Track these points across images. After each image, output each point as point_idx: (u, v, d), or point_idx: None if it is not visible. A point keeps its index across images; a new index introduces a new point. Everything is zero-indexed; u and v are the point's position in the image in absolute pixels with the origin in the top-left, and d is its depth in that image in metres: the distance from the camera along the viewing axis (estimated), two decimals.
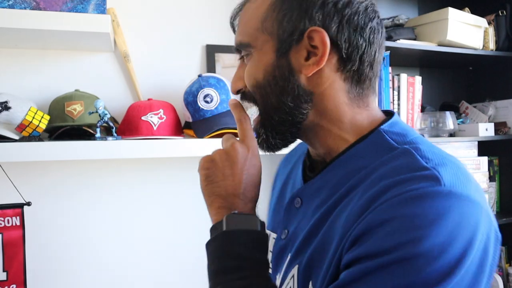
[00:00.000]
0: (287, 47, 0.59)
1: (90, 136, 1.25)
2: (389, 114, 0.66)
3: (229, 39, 1.54)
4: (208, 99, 1.35)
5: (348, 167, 0.60)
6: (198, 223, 1.51)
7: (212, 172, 0.64)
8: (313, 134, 0.64)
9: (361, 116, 0.63)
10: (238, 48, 0.65)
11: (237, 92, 0.66)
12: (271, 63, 0.60)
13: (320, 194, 0.63)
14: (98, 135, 1.23)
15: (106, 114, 1.23)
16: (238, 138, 0.66)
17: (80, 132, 1.27)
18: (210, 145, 1.29)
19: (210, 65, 1.51)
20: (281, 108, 0.61)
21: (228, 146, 0.65)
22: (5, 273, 1.15)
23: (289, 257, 0.65)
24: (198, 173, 0.66)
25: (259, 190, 0.66)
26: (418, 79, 1.68)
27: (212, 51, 1.52)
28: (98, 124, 1.23)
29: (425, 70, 1.90)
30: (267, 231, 0.72)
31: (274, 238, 0.71)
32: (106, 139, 1.22)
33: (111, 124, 1.25)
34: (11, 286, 1.15)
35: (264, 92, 0.61)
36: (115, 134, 1.26)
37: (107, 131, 1.31)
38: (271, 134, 0.63)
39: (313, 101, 0.61)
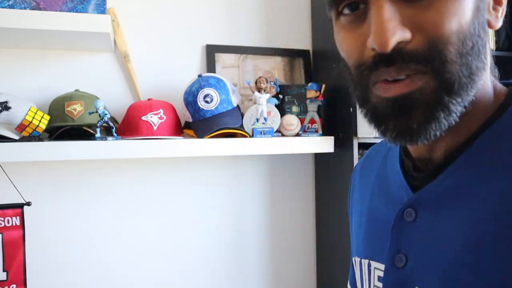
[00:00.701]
0: None
1: (90, 136, 1.25)
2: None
3: (229, 39, 1.55)
4: (208, 99, 1.35)
5: (491, 156, 0.46)
6: (198, 223, 1.51)
7: None
8: None
9: (490, 85, 0.50)
10: None
11: (393, 47, 0.42)
12: (474, 0, 0.44)
13: (450, 200, 0.48)
14: (98, 135, 1.23)
15: (106, 114, 1.23)
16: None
17: (80, 132, 1.27)
18: (210, 145, 1.29)
19: (210, 65, 1.51)
20: (479, 70, 0.45)
21: None
22: (5, 273, 1.15)
23: None
24: None
25: None
26: None
27: (212, 51, 1.52)
28: (98, 124, 1.23)
29: None
30: (363, 261, 0.58)
31: (377, 268, 0.56)
32: (106, 139, 1.22)
33: (111, 124, 1.25)
34: (11, 286, 1.16)
35: (470, 43, 0.44)
36: (115, 134, 1.26)
37: (107, 131, 1.31)
38: (450, 109, 0.44)
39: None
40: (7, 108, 1.21)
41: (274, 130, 1.40)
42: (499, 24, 0.48)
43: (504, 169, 0.44)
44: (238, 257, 1.56)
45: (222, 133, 1.33)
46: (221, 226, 1.54)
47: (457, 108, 0.44)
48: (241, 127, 1.38)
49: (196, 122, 1.37)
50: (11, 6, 1.19)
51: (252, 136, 1.37)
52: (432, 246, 0.48)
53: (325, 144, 1.41)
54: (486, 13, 0.46)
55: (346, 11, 0.47)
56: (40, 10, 1.21)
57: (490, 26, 0.47)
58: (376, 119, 0.47)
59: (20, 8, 1.19)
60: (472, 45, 0.44)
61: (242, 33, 1.56)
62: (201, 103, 1.35)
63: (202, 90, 1.36)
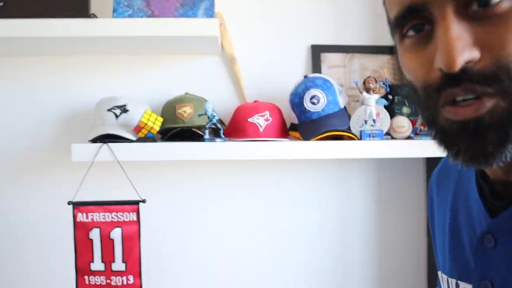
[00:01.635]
0: None
1: (199, 138, 1.30)
2: None
3: (335, 38, 1.50)
4: (314, 100, 1.32)
5: None
6: (302, 227, 1.49)
7: None
8: None
9: None
10: None
11: (461, 67, 0.40)
12: None
13: None
14: (206, 136, 1.26)
15: (215, 116, 1.26)
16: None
17: (190, 134, 1.31)
18: (316, 148, 1.26)
19: (316, 66, 1.48)
20: None
21: None
22: (124, 264, 1.24)
23: None
24: None
25: None
26: None
27: (317, 51, 1.49)
28: (207, 126, 1.26)
29: None
30: (450, 280, 0.58)
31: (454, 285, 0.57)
32: (214, 141, 1.26)
33: (219, 126, 1.28)
34: (129, 276, 1.23)
35: None
36: (222, 136, 1.29)
37: (215, 133, 1.34)
38: None
39: None
40: (125, 110, 1.30)
41: (384, 132, 1.32)
42: None
43: None
44: (341, 265, 1.51)
45: (329, 135, 1.29)
46: (325, 231, 1.50)
47: None
48: (349, 129, 1.33)
49: (302, 124, 1.35)
50: (130, 16, 1.28)
51: (361, 138, 1.31)
52: (506, 279, 0.47)
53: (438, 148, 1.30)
54: None
55: (411, 33, 0.45)
56: (155, 17, 1.28)
57: None
58: (446, 142, 0.45)
59: (138, 17, 1.27)
60: None
61: (348, 32, 1.51)
62: (308, 105, 1.32)
63: (308, 91, 1.33)
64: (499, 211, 0.49)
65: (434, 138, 0.47)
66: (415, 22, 0.44)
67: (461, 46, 0.40)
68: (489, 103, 0.41)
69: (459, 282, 0.56)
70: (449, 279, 0.59)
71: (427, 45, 0.44)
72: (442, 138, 0.46)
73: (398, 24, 0.46)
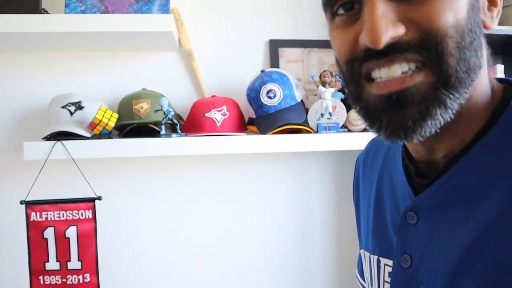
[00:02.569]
0: None
1: (156, 134, 1.29)
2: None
3: (292, 33, 1.51)
4: (271, 94, 1.33)
5: (493, 160, 0.45)
6: (261, 220, 1.50)
7: None
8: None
9: (488, 83, 0.48)
10: None
11: (386, 44, 0.42)
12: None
13: (450, 205, 0.48)
14: (163, 132, 1.26)
15: (170, 111, 1.26)
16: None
17: (147, 130, 1.31)
18: (273, 141, 1.28)
19: (274, 60, 1.49)
20: (476, 67, 0.44)
21: None
22: (79, 262, 1.22)
23: None
24: None
25: None
26: (500, 67, 1.54)
27: (275, 46, 1.50)
28: (163, 122, 1.26)
29: (508, 58, 1.73)
30: (372, 257, 0.59)
31: (387, 265, 0.57)
32: (170, 136, 1.25)
33: (175, 121, 1.28)
34: (85, 275, 1.22)
35: (468, 37, 0.43)
36: (179, 131, 1.29)
37: (173, 128, 1.34)
38: (446, 105, 0.43)
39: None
40: (80, 107, 1.28)
41: (340, 125, 1.35)
42: (494, 25, 0.47)
43: (505, 176, 0.43)
44: (302, 254, 1.52)
45: (286, 129, 1.30)
46: (285, 223, 1.52)
47: (453, 104, 0.43)
48: (306, 123, 1.35)
49: (259, 118, 1.36)
50: (83, 11, 1.26)
51: (317, 132, 1.33)
52: (435, 249, 0.48)
53: None
54: (481, 13, 0.45)
55: (341, 11, 0.47)
56: (109, 13, 1.26)
57: (485, 26, 0.46)
58: (369, 117, 0.47)
59: (91, 13, 1.26)
60: (471, 40, 0.43)
61: (305, 26, 1.52)
62: (264, 99, 1.33)
63: (265, 86, 1.34)
64: (422, 190, 0.51)
65: (359, 113, 0.49)
66: (345, 0, 0.46)
67: (385, 23, 0.41)
68: (418, 77, 0.43)
69: (380, 258, 0.58)
70: (371, 256, 0.60)
71: (355, 23, 0.46)
72: (366, 113, 0.47)
73: (328, 2, 0.48)
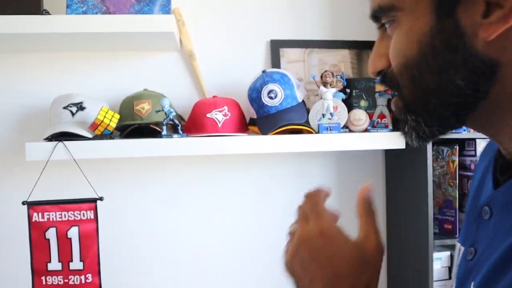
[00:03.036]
0: (453, 2, 0.43)
1: (157, 134, 1.29)
2: None
3: (293, 33, 1.51)
4: (272, 94, 1.34)
5: None
6: (262, 220, 1.50)
7: (296, 278, 0.56)
8: (497, 121, 0.47)
9: None
10: (375, 15, 0.50)
11: (377, 74, 0.52)
12: (429, 30, 0.45)
13: None
14: (164, 132, 1.26)
15: (172, 112, 1.26)
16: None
17: (148, 130, 1.31)
18: (274, 142, 1.28)
19: (275, 61, 1.49)
20: (445, 90, 0.46)
21: (298, 238, 0.57)
22: (81, 262, 1.22)
23: (472, 287, 0.50)
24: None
25: (365, 274, 0.49)
26: None
27: (276, 46, 1.50)
28: (164, 122, 1.26)
29: None
30: (457, 244, 0.60)
31: (461, 254, 0.57)
32: (171, 137, 1.25)
33: (176, 121, 1.28)
34: (87, 275, 1.22)
35: (417, 72, 0.47)
36: (180, 132, 1.29)
37: (174, 129, 1.34)
38: (425, 121, 0.49)
39: (499, 74, 0.44)
40: (82, 108, 1.28)
41: (341, 125, 1.35)
42: (489, 32, 0.42)
43: None
44: None
45: (287, 129, 1.30)
46: (286, 223, 1.51)
47: (421, 125, 0.49)
48: (307, 123, 1.35)
49: (260, 119, 1.36)
50: (85, 12, 1.26)
51: (318, 132, 1.33)
52: (493, 246, 0.47)
53: (396, 140, 1.33)
54: (461, 31, 0.44)
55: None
56: (110, 14, 1.26)
57: (483, 36, 0.43)
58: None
59: (92, 13, 1.26)
60: (429, 69, 0.46)
61: (306, 27, 1.52)
62: (265, 99, 1.33)
63: (266, 86, 1.34)
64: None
65: None
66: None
67: (372, 59, 0.52)
68: (396, 101, 0.52)
69: (460, 246, 0.58)
70: (459, 245, 0.60)
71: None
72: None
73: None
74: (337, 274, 0.49)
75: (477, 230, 0.52)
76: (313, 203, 0.58)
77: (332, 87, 1.36)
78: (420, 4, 0.45)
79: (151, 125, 1.28)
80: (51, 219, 1.20)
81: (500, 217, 0.48)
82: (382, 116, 1.38)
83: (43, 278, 1.20)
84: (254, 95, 1.35)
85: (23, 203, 1.20)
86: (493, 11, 0.41)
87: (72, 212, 1.21)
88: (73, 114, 1.28)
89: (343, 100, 1.39)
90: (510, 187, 0.47)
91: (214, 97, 1.39)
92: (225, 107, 1.34)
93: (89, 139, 1.24)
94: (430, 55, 0.45)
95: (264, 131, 1.32)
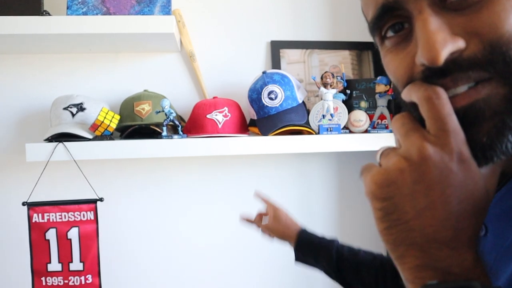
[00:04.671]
0: None
1: (158, 135, 1.29)
2: None
3: (294, 34, 1.52)
4: (272, 95, 1.33)
5: None
6: None
7: (394, 206, 0.39)
8: None
9: None
10: None
11: (446, 60, 0.38)
12: None
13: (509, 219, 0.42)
14: (164, 133, 1.26)
15: (172, 113, 1.26)
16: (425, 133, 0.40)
17: (148, 131, 1.31)
18: (275, 143, 1.28)
19: (275, 62, 1.49)
20: None
21: (413, 153, 0.38)
22: (82, 263, 1.22)
23: None
24: (368, 199, 0.41)
25: (483, 219, 0.39)
26: None
27: (276, 47, 1.50)
28: (164, 123, 1.26)
29: None
30: None
31: None
32: (172, 138, 1.25)
33: (176, 122, 1.28)
34: (87, 276, 1.22)
35: None
36: (181, 133, 1.29)
37: (174, 130, 1.34)
38: None
39: None
40: (82, 109, 1.28)
41: (341, 126, 1.35)
42: None
43: None
44: None
45: (287, 130, 1.30)
46: None
47: None
48: (307, 124, 1.35)
49: (260, 120, 1.36)
50: (85, 13, 1.26)
51: (318, 133, 1.33)
52: (502, 263, 0.43)
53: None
54: None
55: (390, 33, 0.44)
56: (110, 15, 1.26)
57: None
58: None
59: (93, 14, 1.26)
60: None
61: (307, 28, 1.52)
62: (265, 100, 1.33)
63: (266, 87, 1.34)
64: None
65: None
66: (392, 21, 0.43)
67: (442, 38, 0.37)
68: (484, 90, 0.38)
69: None
70: None
71: (408, 43, 0.42)
72: None
73: (375, 26, 0.45)
74: (464, 209, 0.37)
75: (481, 248, 0.47)
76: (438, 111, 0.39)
77: (333, 88, 1.36)
78: None
79: (151, 126, 1.28)
80: (51, 220, 1.20)
81: (497, 233, 0.45)
82: (382, 117, 1.37)
83: (43, 279, 1.20)
84: (254, 96, 1.35)
85: (23, 203, 1.20)
86: None
87: (72, 213, 1.21)
88: (73, 115, 1.28)
89: (344, 101, 1.39)
90: (500, 198, 0.44)
91: (214, 98, 1.39)
92: (225, 108, 1.34)
93: (89, 140, 1.24)
94: None
95: (264, 132, 1.32)
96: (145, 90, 1.38)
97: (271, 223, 1.13)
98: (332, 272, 0.99)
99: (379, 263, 0.95)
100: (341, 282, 0.98)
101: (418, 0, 0.39)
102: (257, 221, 1.19)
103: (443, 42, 0.37)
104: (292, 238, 1.08)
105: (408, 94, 0.41)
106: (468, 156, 0.38)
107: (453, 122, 0.38)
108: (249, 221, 1.20)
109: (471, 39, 0.38)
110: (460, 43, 0.38)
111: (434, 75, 0.39)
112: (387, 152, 0.41)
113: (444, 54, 0.37)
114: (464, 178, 0.37)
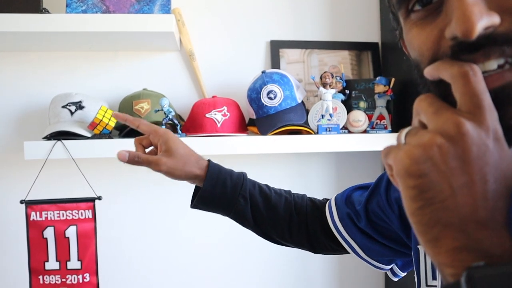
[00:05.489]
0: None
1: None
2: None
3: (293, 34, 1.51)
4: (271, 95, 1.33)
5: None
6: None
7: (429, 183, 0.36)
8: None
9: None
10: None
11: (479, 35, 0.37)
12: None
13: None
14: None
15: (171, 111, 1.26)
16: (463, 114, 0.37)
17: None
18: (274, 142, 1.28)
19: (275, 61, 1.49)
20: None
21: (450, 129, 0.36)
22: (79, 262, 1.22)
23: None
24: (399, 178, 0.38)
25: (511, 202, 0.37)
26: None
27: (276, 47, 1.50)
28: (163, 122, 1.26)
29: None
30: None
31: None
32: None
33: (175, 121, 1.28)
34: (85, 275, 1.22)
35: None
36: (179, 132, 1.29)
37: (173, 129, 1.34)
38: None
39: None
40: (81, 107, 1.28)
41: (340, 126, 1.35)
42: None
43: None
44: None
45: (286, 130, 1.30)
46: None
47: None
48: (306, 124, 1.35)
49: (259, 119, 1.36)
50: (84, 11, 1.26)
51: (317, 133, 1.33)
52: None
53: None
54: None
55: (417, 7, 0.42)
56: (110, 13, 1.26)
57: None
58: None
59: (92, 13, 1.26)
60: None
61: (307, 27, 1.52)
62: (265, 100, 1.33)
63: (265, 87, 1.34)
64: None
65: None
66: None
67: (478, 11, 0.36)
68: None
69: None
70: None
71: (437, 18, 0.40)
72: None
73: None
74: (502, 189, 0.36)
75: None
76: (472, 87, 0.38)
77: (332, 88, 1.36)
78: None
79: None
80: (49, 218, 1.20)
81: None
82: (381, 117, 1.37)
83: (40, 277, 1.20)
84: (254, 95, 1.35)
85: (21, 202, 1.20)
86: None
87: (70, 211, 1.21)
88: (72, 113, 1.28)
89: (343, 101, 1.39)
90: None
91: (213, 97, 1.39)
92: (225, 107, 1.34)
93: (88, 138, 1.24)
94: None
95: (263, 132, 1.32)
96: (144, 89, 1.38)
97: (164, 158, 0.82)
98: (247, 224, 0.89)
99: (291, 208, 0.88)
100: (258, 232, 0.90)
101: None
102: (143, 158, 0.84)
103: (479, 14, 0.36)
104: (199, 178, 0.86)
105: (436, 71, 0.40)
106: (502, 135, 0.36)
107: (488, 99, 0.36)
108: (133, 160, 0.84)
109: (506, 16, 0.37)
110: (495, 18, 0.37)
111: (465, 49, 0.38)
112: (415, 131, 0.39)
113: (480, 27, 0.36)
114: (499, 157, 0.36)
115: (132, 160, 0.81)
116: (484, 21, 0.36)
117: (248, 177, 0.93)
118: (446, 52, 0.39)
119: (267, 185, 0.90)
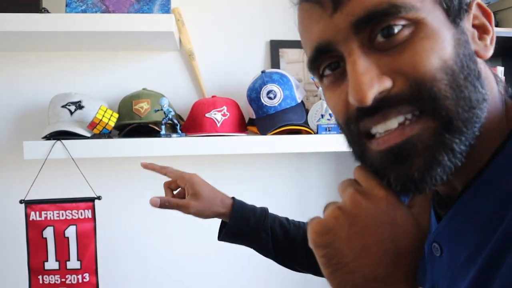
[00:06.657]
0: (459, 14, 0.42)
1: (156, 133, 1.29)
2: None
3: (293, 34, 1.51)
4: (271, 95, 1.33)
5: (507, 181, 0.41)
6: None
7: (334, 251, 0.42)
8: None
9: (501, 106, 0.45)
10: (382, 14, 0.40)
11: (374, 99, 0.40)
12: (452, 35, 0.41)
13: (464, 237, 0.44)
14: (163, 132, 1.26)
15: (171, 111, 1.26)
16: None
17: (147, 130, 1.31)
18: (273, 142, 1.28)
19: (274, 61, 1.49)
20: (480, 102, 0.41)
21: (346, 201, 0.44)
22: (79, 262, 1.22)
23: None
24: (313, 250, 0.45)
25: (419, 254, 0.43)
26: (500, 69, 1.54)
27: (276, 47, 1.50)
28: (163, 122, 1.26)
29: (508, 60, 1.73)
30: None
31: None
32: (170, 136, 1.25)
33: (175, 121, 1.28)
34: (84, 274, 1.22)
35: (455, 78, 0.40)
36: (179, 131, 1.29)
37: (173, 128, 1.34)
38: (467, 139, 0.41)
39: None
40: (80, 107, 1.28)
41: None
42: (489, 53, 0.44)
43: (504, 208, 0.39)
44: None
45: (286, 129, 1.30)
46: None
47: (461, 147, 0.40)
48: (306, 124, 1.35)
49: (259, 119, 1.36)
50: (84, 11, 1.26)
51: (317, 132, 1.33)
52: (451, 283, 0.46)
53: None
54: (471, 44, 0.43)
55: (327, 72, 0.46)
56: (110, 13, 1.26)
57: (479, 56, 0.44)
58: (378, 174, 0.44)
59: (92, 12, 1.26)
60: (465, 76, 0.41)
61: None
62: (264, 100, 1.33)
63: (265, 86, 1.34)
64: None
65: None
66: (328, 61, 0.45)
67: (369, 79, 0.40)
68: (417, 126, 0.40)
69: None
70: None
71: (343, 81, 0.44)
72: (374, 171, 0.45)
73: (313, 66, 0.47)
74: (397, 246, 0.41)
75: (433, 268, 0.50)
76: (366, 171, 0.45)
77: None
78: (435, 11, 0.41)
79: (149, 125, 1.28)
80: (48, 218, 1.20)
81: (451, 252, 0.46)
82: None
83: (40, 277, 1.20)
84: (253, 95, 1.35)
85: (21, 201, 1.20)
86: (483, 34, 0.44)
87: (70, 211, 1.21)
88: (71, 113, 1.27)
89: None
90: (449, 219, 0.46)
91: (213, 97, 1.39)
92: (224, 107, 1.34)
93: (87, 138, 1.24)
94: (470, 59, 0.42)
95: (263, 131, 1.31)
96: (144, 89, 1.38)
97: (193, 202, 0.89)
98: (269, 255, 0.95)
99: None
100: (279, 262, 0.95)
101: (348, 42, 0.41)
102: (173, 202, 0.91)
103: (369, 83, 0.40)
104: (225, 215, 0.93)
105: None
106: (393, 195, 0.42)
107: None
108: (164, 205, 0.90)
109: (398, 78, 0.40)
110: (386, 83, 0.40)
111: (365, 113, 0.42)
112: (327, 205, 0.46)
113: (370, 95, 0.40)
114: (394, 217, 0.41)
115: (163, 205, 0.89)
116: (375, 88, 0.40)
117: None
118: (353, 115, 0.44)
119: (286, 218, 0.96)
